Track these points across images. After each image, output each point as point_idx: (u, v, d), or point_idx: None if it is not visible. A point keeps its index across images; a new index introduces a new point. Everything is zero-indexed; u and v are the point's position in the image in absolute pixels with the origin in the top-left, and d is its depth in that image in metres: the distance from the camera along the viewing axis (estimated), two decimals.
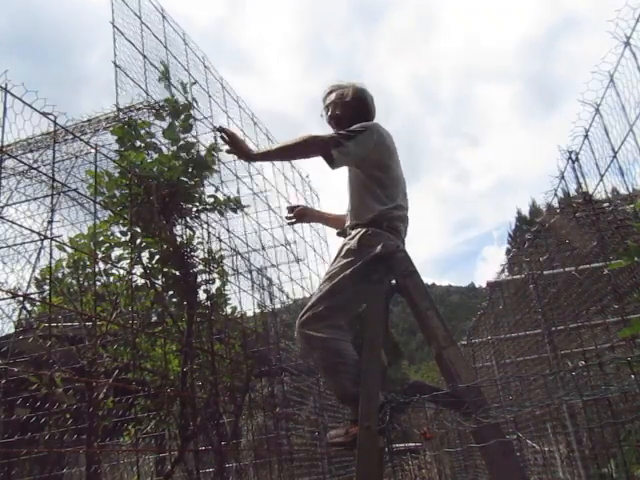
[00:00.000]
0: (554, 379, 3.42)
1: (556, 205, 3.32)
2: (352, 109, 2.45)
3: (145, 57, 3.32)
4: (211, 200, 3.65)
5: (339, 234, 2.51)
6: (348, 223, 2.41)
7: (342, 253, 2.27)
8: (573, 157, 2.86)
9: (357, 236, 2.24)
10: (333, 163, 2.25)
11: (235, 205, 3.74)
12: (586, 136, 2.63)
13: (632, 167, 2.25)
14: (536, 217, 4.89)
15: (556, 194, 3.19)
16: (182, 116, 3.43)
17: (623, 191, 2.46)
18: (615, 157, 2.34)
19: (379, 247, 2.16)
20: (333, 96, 2.50)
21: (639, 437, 3.73)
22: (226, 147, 2.46)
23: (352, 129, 2.29)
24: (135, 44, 3.27)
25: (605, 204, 2.79)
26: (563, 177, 3.03)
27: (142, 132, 3.29)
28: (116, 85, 3.00)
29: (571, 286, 3.89)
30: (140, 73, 3.24)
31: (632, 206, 2.48)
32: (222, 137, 2.41)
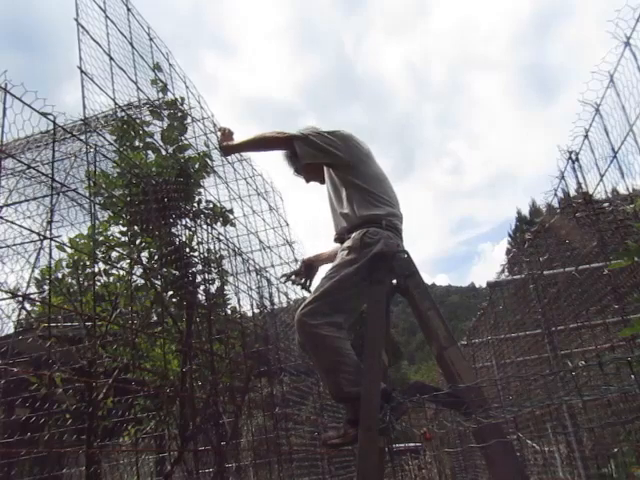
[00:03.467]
0: (554, 379, 3.42)
1: (556, 205, 3.32)
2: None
3: (112, 59, 3.10)
4: (210, 205, 3.71)
5: (336, 240, 2.49)
6: (342, 228, 2.39)
7: (343, 252, 2.26)
8: (573, 157, 2.86)
9: (358, 235, 2.23)
10: (299, 156, 2.30)
11: (224, 217, 3.81)
12: (586, 136, 2.63)
13: (632, 167, 2.25)
14: (536, 217, 4.89)
15: (556, 194, 3.19)
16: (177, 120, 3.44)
17: (623, 191, 2.46)
18: (615, 157, 2.34)
19: (381, 244, 2.16)
20: (287, 156, 2.63)
21: (639, 437, 3.73)
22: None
23: (321, 134, 2.36)
24: (101, 44, 3.03)
25: (605, 204, 2.79)
26: (563, 177, 3.03)
27: (141, 132, 3.31)
28: (82, 93, 2.70)
29: (571, 286, 3.89)
30: (107, 78, 3.00)
31: (632, 206, 2.48)
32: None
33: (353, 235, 2.26)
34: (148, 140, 3.38)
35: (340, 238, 2.40)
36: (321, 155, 2.35)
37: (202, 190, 3.71)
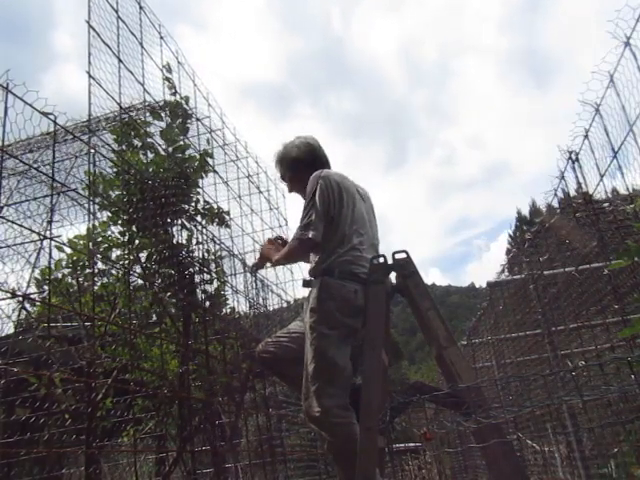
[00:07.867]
0: (554, 379, 3.42)
1: (556, 205, 3.33)
2: (293, 169, 2.60)
3: (120, 61, 3.10)
4: (207, 207, 3.71)
5: (305, 285, 2.51)
6: (309, 269, 2.44)
7: (307, 315, 2.28)
8: (573, 157, 2.86)
9: (314, 294, 2.26)
10: (316, 244, 2.31)
11: (220, 218, 3.81)
12: (586, 136, 2.63)
13: (632, 167, 2.25)
14: (536, 217, 4.89)
15: (556, 194, 3.19)
16: (179, 119, 3.43)
17: (623, 191, 2.47)
18: (615, 157, 2.34)
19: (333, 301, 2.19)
20: (278, 163, 2.66)
21: (639, 437, 3.73)
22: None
23: (305, 214, 2.33)
24: (111, 45, 3.04)
25: (605, 204, 2.79)
26: (563, 177, 3.03)
27: (141, 132, 3.31)
28: (89, 97, 2.73)
29: (571, 286, 3.89)
30: (115, 82, 3.01)
31: (632, 206, 2.48)
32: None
33: (312, 288, 2.30)
34: (147, 140, 3.39)
35: (308, 283, 2.44)
36: (326, 222, 2.34)
37: (200, 190, 3.72)
